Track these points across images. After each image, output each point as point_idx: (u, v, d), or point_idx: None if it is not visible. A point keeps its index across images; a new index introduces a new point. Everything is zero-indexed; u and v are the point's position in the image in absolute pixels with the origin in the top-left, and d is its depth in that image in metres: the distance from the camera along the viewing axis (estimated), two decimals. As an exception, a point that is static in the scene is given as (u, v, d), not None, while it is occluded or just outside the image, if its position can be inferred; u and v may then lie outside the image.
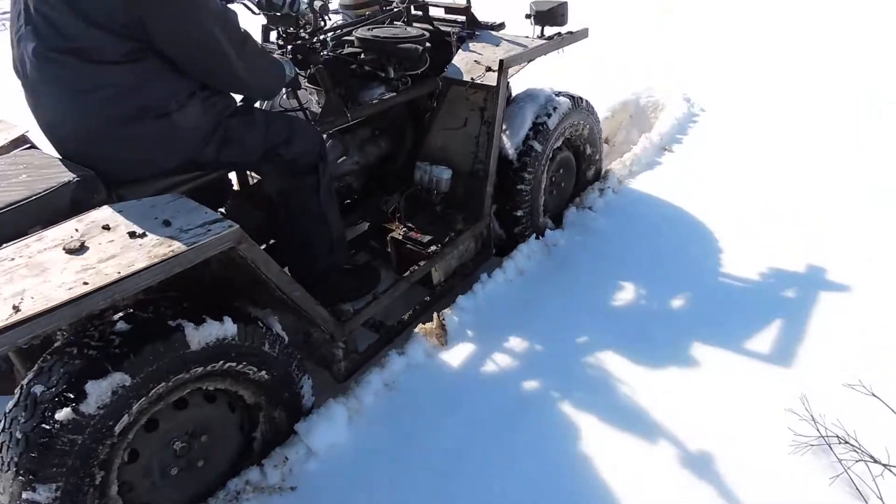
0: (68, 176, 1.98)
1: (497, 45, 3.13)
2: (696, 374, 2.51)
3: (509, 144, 3.13)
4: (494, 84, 2.83)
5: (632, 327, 2.77)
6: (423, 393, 2.52)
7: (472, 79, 2.91)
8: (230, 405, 2.13)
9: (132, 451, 1.88)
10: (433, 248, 2.82)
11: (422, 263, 2.79)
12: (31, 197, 1.87)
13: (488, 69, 2.94)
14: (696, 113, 4.86)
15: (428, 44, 2.90)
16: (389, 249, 2.96)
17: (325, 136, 2.79)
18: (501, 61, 2.79)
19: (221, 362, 1.95)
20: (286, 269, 2.75)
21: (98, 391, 1.66)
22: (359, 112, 2.81)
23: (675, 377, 2.50)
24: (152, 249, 1.69)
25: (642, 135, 4.58)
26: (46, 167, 2.09)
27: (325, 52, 2.81)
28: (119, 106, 1.94)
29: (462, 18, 3.32)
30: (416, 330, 2.73)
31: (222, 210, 2.80)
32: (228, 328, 1.93)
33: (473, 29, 3.27)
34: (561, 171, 3.61)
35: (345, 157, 3.10)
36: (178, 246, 1.70)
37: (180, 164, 2.17)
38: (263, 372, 2.09)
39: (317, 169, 2.52)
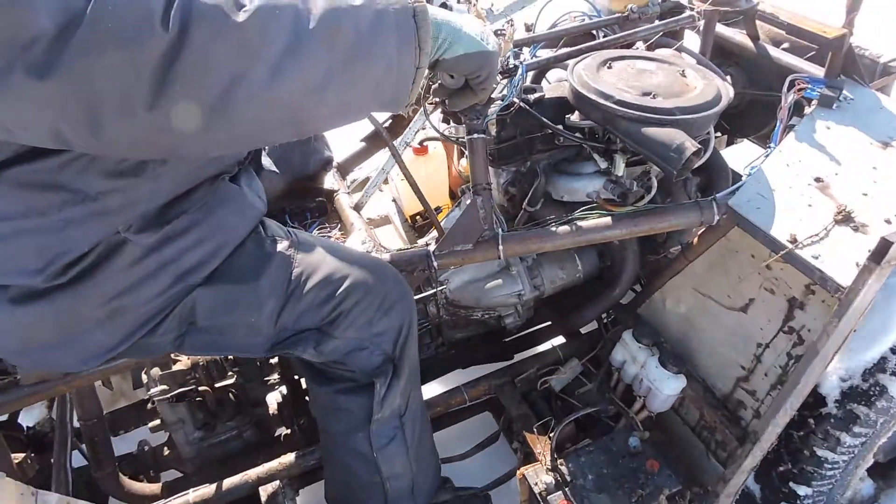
0: None
1: (890, 143, 1.38)
2: None
3: (831, 366, 1.44)
4: (848, 283, 1.16)
5: None
6: None
7: (793, 240, 1.26)
8: None
9: None
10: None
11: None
12: None
13: (843, 220, 1.26)
14: None
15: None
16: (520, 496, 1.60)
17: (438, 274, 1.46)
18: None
19: None
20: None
21: None
22: (528, 243, 1.40)
23: None
24: None
25: None
26: None
27: (506, 95, 1.43)
28: None
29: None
30: None
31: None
32: None
33: (837, 84, 1.53)
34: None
35: (498, 281, 1.72)
36: None
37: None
38: None
39: (372, 386, 1.23)
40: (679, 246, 1.61)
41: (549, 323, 1.97)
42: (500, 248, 1.41)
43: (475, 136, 1.40)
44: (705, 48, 1.79)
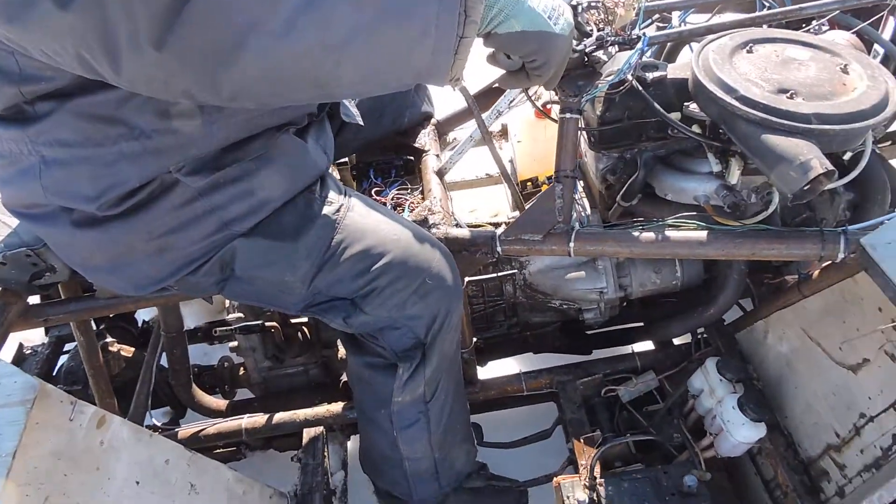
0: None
1: None
2: None
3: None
4: None
5: None
6: None
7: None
8: None
9: None
10: None
11: None
12: None
13: None
14: None
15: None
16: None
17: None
18: None
19: None
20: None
21: None
22: (604, 245, 1.26)
23: None
24: None
25: None
26: None
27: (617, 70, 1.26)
28: None
29: None
30: None
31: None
32: None
33: None
34: None
35: (580, 273, 1.58)
36: None
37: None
38: None
39: (395, 367, 1.19)
40: (796, 274, 1.36)
41: (640, 323, 1.80)
42: (572, 245, 1.27)
43: (567, 115, 1.25)
44: (898, 35, 1.44)
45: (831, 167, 1.02)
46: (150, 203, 1.03)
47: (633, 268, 1.57)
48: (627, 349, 1.75)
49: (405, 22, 0.77)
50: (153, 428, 1.69)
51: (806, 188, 1.04)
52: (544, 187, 2.11)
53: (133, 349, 1.92)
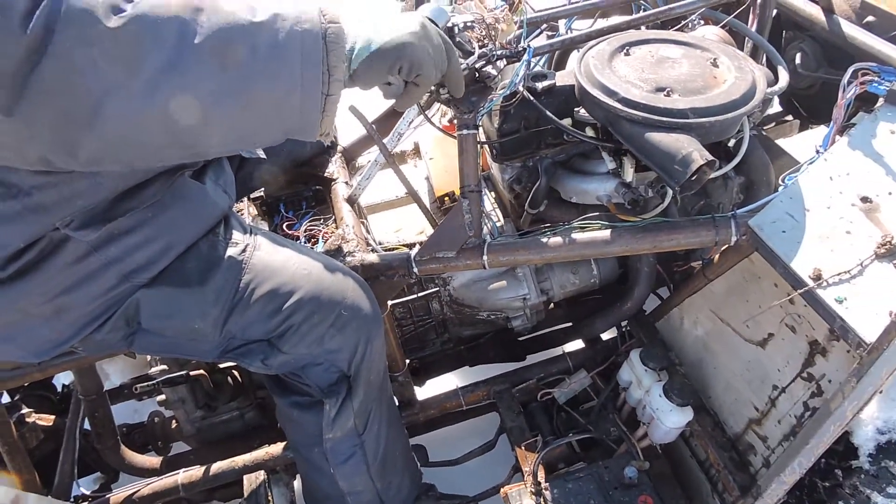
0: None
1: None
2: None
3: (868, 414, 1.23)
4: (872, 339, 0.96)
5: None
6: None
7: (817, 276, 1.05)
8: None
9: None
10: None
11: None
12: None
13: (885, 255, 1.03)
14: None
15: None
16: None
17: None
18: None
19: None
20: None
21: None
22: (516, 254, 1.29)
23: None
24: None
25: None
26: None
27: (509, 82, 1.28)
28: None
29: None
30: None
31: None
32: None
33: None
34: None
35: (502, 283, 1.60)
36: None
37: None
38: None
39: (322, 404, 1.18)
40: (700, 260, 1.42)
41: (569, 324, 1.84)
42: (485, 258, 1.29)
43: (465, 131, 1.27)
44: (762, 25, 1.53)
45: (711, 157, 1.08)
46: (40, 263, 0.98)
47: (552, 271, 1.61)
48: (559, 351, 1.78)
49: (269, 83, 0.77)
50: (82, 498, 1.61)
51: (692, 179, 1.09)
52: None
53: (54, 417, 1.82)
